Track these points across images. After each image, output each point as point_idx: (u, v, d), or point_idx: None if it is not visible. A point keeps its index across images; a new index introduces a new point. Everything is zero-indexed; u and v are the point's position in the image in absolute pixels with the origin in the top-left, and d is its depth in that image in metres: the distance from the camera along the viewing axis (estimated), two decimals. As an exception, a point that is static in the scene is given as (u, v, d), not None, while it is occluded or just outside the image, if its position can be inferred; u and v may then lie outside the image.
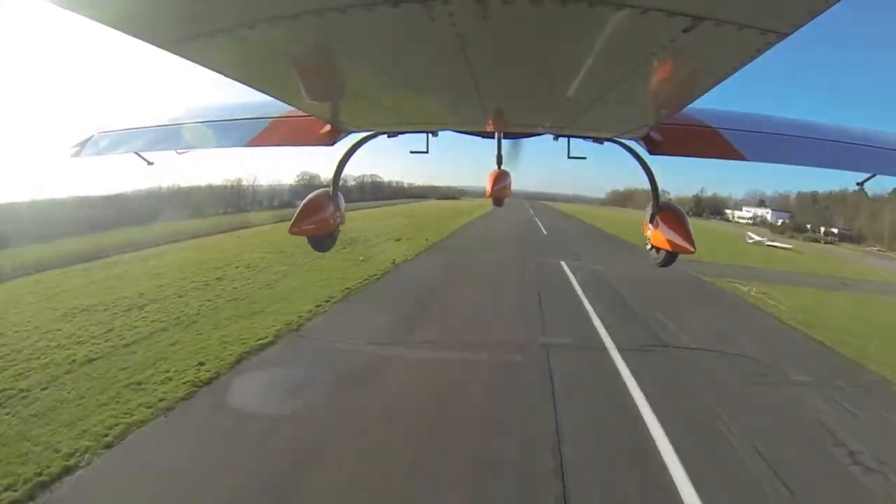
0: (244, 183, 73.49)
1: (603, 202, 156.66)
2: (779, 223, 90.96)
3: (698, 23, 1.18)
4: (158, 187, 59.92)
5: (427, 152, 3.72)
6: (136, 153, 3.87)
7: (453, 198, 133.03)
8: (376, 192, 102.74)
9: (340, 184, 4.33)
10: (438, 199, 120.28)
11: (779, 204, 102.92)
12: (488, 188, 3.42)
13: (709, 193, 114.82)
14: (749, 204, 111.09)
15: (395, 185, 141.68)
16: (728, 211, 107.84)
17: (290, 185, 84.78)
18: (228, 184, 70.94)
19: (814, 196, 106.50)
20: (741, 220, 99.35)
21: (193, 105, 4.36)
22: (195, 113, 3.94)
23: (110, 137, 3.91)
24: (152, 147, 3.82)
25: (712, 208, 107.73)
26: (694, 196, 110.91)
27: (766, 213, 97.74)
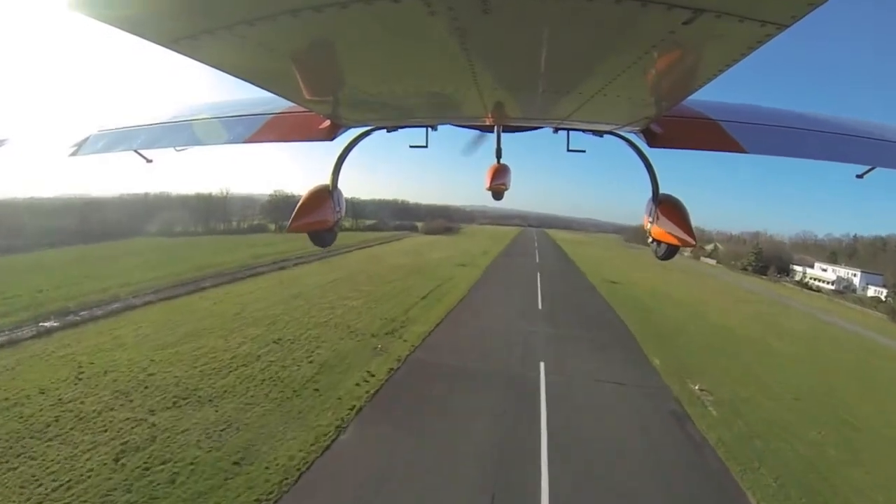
0: (214, 194, 73.34)
1: (626, 238, 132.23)
2: (870, 291, 68.20)
3: (699, 15, 1.20)
4: (145, 194, 68.88)
5: (426, 146, 3.95)
6: (135, 151, 3.97)
7: (448, 229, 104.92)
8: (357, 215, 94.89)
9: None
10: (428, 233, 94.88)
11: (834, 250, 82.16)
12: (487, 182, 3.89)
13: (766, 231, 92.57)
14: (808, 250, 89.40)
15: (399, 202, 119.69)
16: (797, 268, 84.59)
17: (263, 202, 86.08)
18: (201, 196, 71.58)
19: (885, 244, 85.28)
20: (822, 284, 76.18)
21: (192, 103, 4.46)
22: (194, 111, 4.05)
23: (109, 136, 3.99)
24: (151, 145, 3.91)
25: (777, 261, 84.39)
26: (754, 244, 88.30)
27: (854, 277, 74.71)
